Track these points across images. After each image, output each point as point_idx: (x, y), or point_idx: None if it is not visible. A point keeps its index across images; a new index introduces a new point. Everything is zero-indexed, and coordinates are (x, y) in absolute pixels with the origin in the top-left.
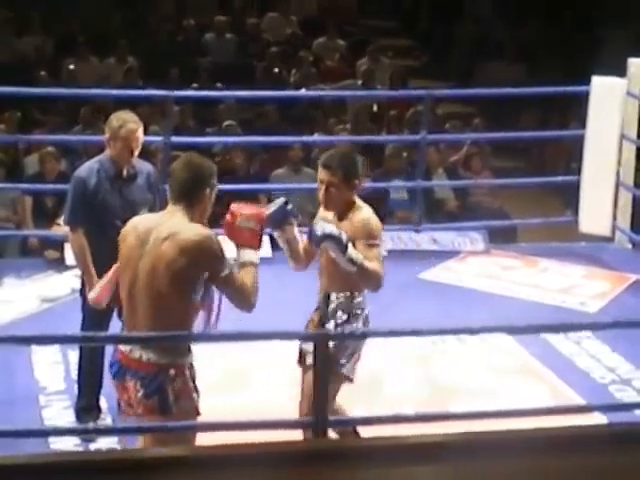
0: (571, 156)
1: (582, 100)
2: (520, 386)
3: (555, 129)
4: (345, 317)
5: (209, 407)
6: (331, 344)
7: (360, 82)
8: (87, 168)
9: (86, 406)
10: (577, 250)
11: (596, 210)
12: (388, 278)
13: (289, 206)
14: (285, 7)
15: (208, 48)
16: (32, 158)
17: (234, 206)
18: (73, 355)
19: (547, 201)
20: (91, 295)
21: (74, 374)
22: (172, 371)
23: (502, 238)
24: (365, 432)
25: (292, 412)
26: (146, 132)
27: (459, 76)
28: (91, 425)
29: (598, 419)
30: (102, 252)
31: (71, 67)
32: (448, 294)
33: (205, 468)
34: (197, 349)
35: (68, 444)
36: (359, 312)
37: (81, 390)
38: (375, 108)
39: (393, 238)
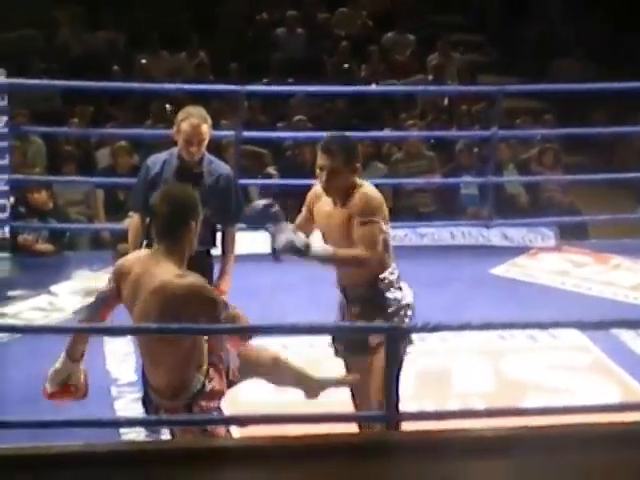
0: None
1: None
2: (591, 383)
3: (627, 125)
4: (396, 295)
5: (276, 400)
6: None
7: (430, 77)
8: (155, 157)
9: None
10: None
11: None
12: (459, 273)
13: (272, 209)
14: (356, 2)
15: (279, 43)
16: (104, 152)
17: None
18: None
19: (618, 197)
20: None
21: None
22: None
23: (573, 234)
24: (435, 426)
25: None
26: (217, 127)
27: (529, 72)
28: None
29: None
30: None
31: (143, 62)
32: (518, 290)
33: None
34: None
35: (139, 435)
36: (397, 287)
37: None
38: (446, 103)
39: (464, 234)
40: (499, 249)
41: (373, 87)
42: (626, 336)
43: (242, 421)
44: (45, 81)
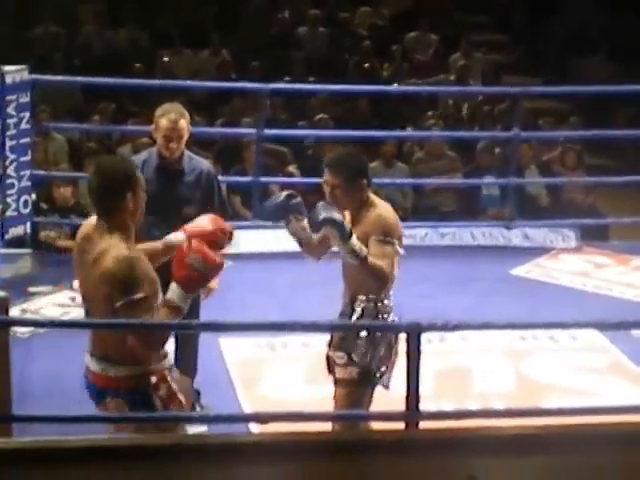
0: None
1: None
2: (610, 384)
3: None
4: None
5: (293, 397)
6: (357, 355)
7: (453, 77)
8: (135, 158)
9: None
10: None
11: None
12: (480, 274)
13: (293, 200)
14: (377, 1)
15: (301, 42)
16: (126, 148)
17: (195, 232)
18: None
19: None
20: None
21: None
22: (153, 379)
23: (594, 236)
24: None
25: (383, 405)
26: (238, 125)
27: (553, 72)
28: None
29: None
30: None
31: (165, 59)
32: (539, 291)
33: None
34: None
35: None
36: (386, 317)
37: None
38: (467, 104)
39: (484, 234)
40: (520, 250)
41: (395, 87)
42: None
43: (262, 418)
44: (67, 77)
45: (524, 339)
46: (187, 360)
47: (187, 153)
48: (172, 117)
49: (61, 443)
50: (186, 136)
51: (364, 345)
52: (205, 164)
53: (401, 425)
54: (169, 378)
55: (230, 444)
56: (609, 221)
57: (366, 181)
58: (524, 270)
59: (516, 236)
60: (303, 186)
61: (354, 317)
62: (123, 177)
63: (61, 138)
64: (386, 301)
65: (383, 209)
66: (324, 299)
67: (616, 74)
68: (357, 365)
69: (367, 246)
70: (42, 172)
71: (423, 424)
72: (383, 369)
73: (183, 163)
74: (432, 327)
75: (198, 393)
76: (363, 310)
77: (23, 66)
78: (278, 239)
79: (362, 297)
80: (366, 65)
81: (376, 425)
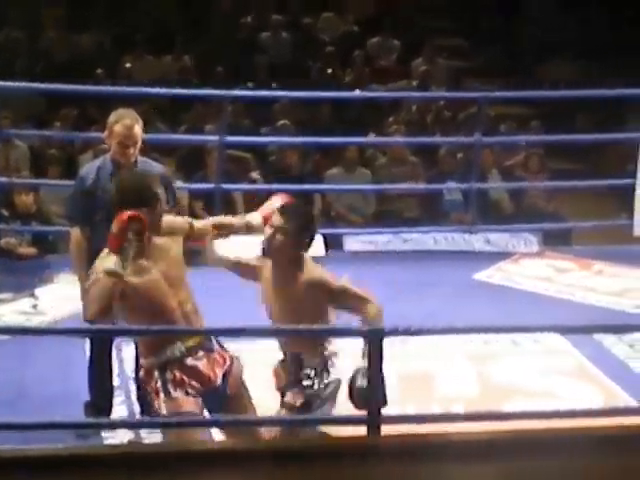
0: (628, 159)
1: None
2: (573, 388)
3: (612, 131)
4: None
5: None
6: (299, 401)
7: (415, 82)
8: (89, 166)
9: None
10: (632, 253)
11: None
12: (443, 278)
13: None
14: (341, 6)
15: (264, 47)
16: (87, 156)
17: (269, 215)
18: (128, 350)
19: (603, 204)
20: None
21: (128, 371)
22: (141, 373)
23: (556, 240)
24: (416, 430)
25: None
26: (201, 131)
27: (515, 76)
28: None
29: None
30: (98, 252)
31: (127, 65)
32: (502, 295)
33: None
34: None
35: (123, 438)
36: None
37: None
38: (429, 109)
39: (447, 239)
40: (482, 254)
41: (357, 93)
42: (608, 341)
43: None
44: (28, 84)
45: (487, 343)
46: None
47: (140, 159)
48: (127, 123)
49: (25, 452)
50: (140, 141)
51: (316, 381)
52: (158, 168)
53: (363, 429)
54: (156, 374)
55: (187, 452)
56: (571, 225)
57: (308, 241)
58: (486, 275)
59: (478, 241)
60: (265, 192)
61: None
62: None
63: (23, 145)
64: (332, 347)
65: (321, 274)
66: None
67: (580, 76)
68: (305, 395)
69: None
70: (3, 179)
71: (385, 428)
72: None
73: (137, 168)
74: (393, 332)
75: None
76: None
77: None
78: (238, 245)
79: (314, 359)
80: (329, 71)
81: (338, 430)
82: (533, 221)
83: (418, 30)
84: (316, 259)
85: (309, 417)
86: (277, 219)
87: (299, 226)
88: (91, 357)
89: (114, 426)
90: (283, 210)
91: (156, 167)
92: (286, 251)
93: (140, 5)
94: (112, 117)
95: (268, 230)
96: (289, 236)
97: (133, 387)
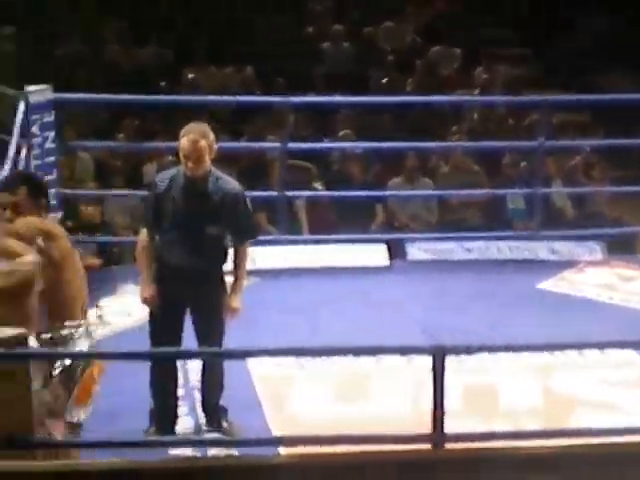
0: None
1: None
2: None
3: None
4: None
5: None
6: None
7: (476, 91)
8: (164, 173)
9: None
10: None
11: None
12: (506, 288)
13: None
14: (402, 16)
15: (325, 57)
16: (151, 166)
17: None
18: (193, 361)
19: None
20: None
21: (194, 381)
22: None
23: (621, 248)
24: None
25: (409, 423)
26: (263, 141)
27: (575, 86)
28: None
29: None
30: (163, 258)
31: (190, 76)
32: (566, 304)
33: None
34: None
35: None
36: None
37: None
38: (491, 117)
39: (511, 248)
40: (546, 263)
41: (420, 99)
42: None
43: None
44: (90, 95)
45: (552, 354)
46: (211, 379)
47: (215, 173)
48: (192, 137)
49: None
50: (207, 156)
51: None
52: (232, 185)
53: (427, 447)
54: None
55: (259, 466)
56: (636, 230)
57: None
58: (550, 284)
59: (542, 249)
60: (328, 201)
61: None
62: None
63: (87, 157)
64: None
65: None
66: (349, 315)
67: (637, 86)
68: None
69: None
70: (68, 191)
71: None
72: None
73: (209, 183)
74: (456, 350)
75: (225, 410)
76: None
77: (46, 86)
78: (303, 255)
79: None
80: (389, 80)
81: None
82: (597, 229)
83: (479, 39)
84: (380, 268)
85: (376, 435)
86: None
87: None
88: (153, 367)
89: (177, 444)
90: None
91: (230, 183)
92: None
93: (201, 16)
94: (182, 131)
95: None
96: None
97: (198, 397)
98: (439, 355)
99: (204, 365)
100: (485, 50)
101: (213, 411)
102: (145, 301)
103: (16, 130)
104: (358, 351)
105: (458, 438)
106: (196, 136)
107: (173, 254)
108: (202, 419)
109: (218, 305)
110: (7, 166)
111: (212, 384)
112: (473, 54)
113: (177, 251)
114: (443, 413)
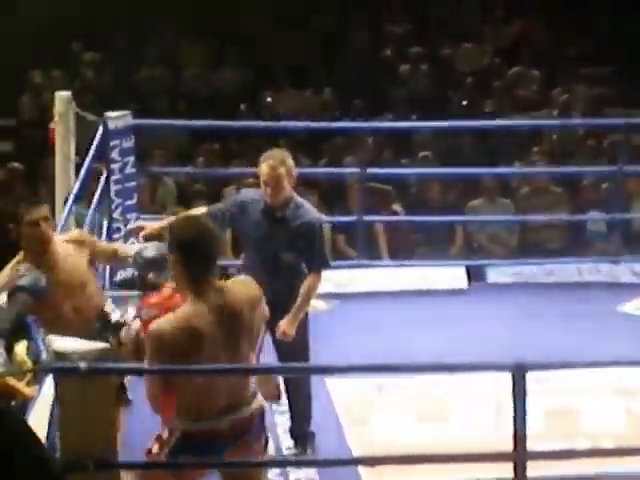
0: None
1: None
2: None
3: None
4: None
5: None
6: None
7: (556, 112)
8: (251, 192)
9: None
10: None
11: None
12: (587, 311)
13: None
14: (479, 37)
15: (403, 79)
16: (231, 189)
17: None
18: None
19: None
20: None
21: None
22: None
23: None
24: (565, 465)
25: (491, 443)
26: (341, 163)
27: None
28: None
29: None
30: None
31: (268, 99)
32: None
33: None
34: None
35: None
36: None
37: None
38: (571, 139)
39: (591, 270)
40: (628, 286)
41: (499, 122)
42: None
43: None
44: (169, 121)
45: (635, 375)
46: (298, 405)
47: (296, 201)
48: (271, 163)
49: None
50: (285, 183)
51: None
52: (311, 214)
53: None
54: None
55: None
56: None
57: None
58: (633, 306)
59: (624, 272)
60: (407, 224)
61: None
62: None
63: (171, 181)
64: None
65: None
66: (432, 339)
67: None
68: None
69: None
70: (149, 216)
71: (532, 464)
72: None
73: (288, 210)
74: (537, 366)
75: (313, 435)
76: None
77: (126, 111)
78: (384, 278)
79: None
80: (468, 102)
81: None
82: None
83: (558, 59)
84: (459, 291)
85: (455, 455)
86: None
87: None
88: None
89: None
90: None
91: (309, 212)
92: None
93: (279, 39)
94: (262, 157)
95: None
96: None
97: (277, 420)
98: (519, 372)
99: (288, 389)
100: (564, 69)
101: (302, 436)
102: None
103: (91, 154)
104: (438, 368)
105: (540, 456)
106: (275, 162)
107: (255, 278)
108: (285, 443)
109: (300, 329)
110: (76, 186)
111: (302, 410)
112: (552, 74)
113: (257, 275)
114: (525, 431)
